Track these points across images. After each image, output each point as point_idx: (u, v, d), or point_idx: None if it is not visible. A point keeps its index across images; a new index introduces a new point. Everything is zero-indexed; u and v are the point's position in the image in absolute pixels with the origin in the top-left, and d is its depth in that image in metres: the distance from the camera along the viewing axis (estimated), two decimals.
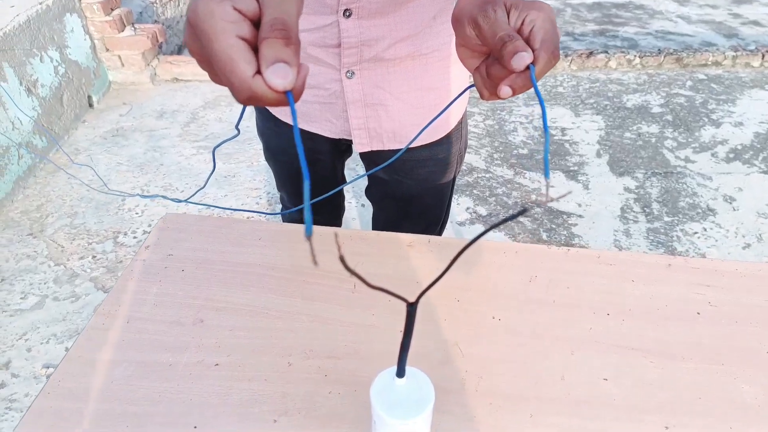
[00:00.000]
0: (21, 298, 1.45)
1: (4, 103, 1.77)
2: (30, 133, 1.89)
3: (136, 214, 1.74)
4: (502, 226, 1.68)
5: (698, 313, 0.56)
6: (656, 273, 0.60)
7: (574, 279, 0.60)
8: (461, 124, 0.80)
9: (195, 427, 0.46)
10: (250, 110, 0.85)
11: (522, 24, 0.37)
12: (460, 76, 0.73)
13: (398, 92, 0.69)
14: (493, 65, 0.39)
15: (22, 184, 1.84)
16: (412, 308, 0.33)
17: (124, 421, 0.46)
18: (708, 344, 0.53)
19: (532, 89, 0.37)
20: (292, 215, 0.97)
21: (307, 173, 0.26)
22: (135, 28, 2.38)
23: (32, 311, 1.42)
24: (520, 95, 2.38)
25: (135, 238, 1.65)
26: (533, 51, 0.36)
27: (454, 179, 0.86)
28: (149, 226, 1.69)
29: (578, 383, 0.50)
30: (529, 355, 0.52)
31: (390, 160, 0.59)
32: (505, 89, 0.38)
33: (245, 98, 0.29)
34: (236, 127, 0.49)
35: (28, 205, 1.78)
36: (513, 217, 0.28)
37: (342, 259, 0.25)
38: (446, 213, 0.92)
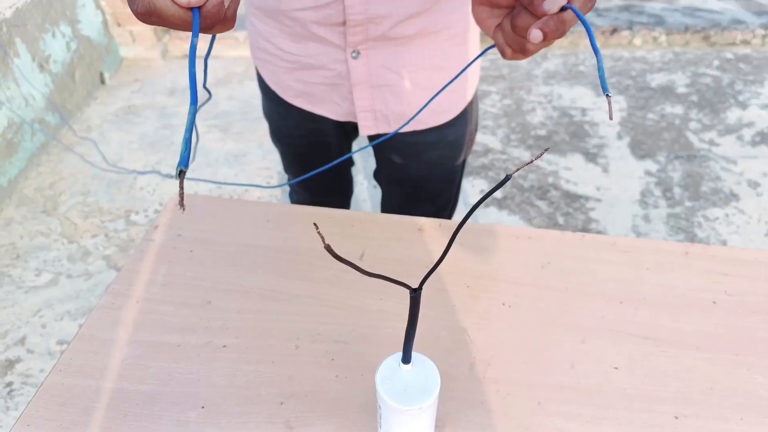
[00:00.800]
0: (35, 275, 1.48)
1: (17, 79, 1.77)
2: (43, 109, 1.90)
3: (148, 193, 1.75)
4: (516, 209, 1.66)
5: (714, 303, 0.55)
6: (673, 261, 0.59)
7: (588, 266, 0.58)
8: (472, 105, 0.77)
9: (203, 407, 0.46)
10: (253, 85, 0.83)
11: None
12: (473, 54, 0.71)
13: (406, 72, 0.67)
14: (519, 15, 0.36)
15: (36, 161, 1.85)
16: (415, 295, 0.32)
17: (134, 399, 0.47)
18: (723, 334, 0.52)
19: (561, 39, 0.34)
20: (302, 198, 0.96)
21: (195, 97, 0.23)
22: None
23: (46, 288, 1.44)
24: (539, 73, 2.33)
25: (147, 217, 1.66)
26: None
27: (464, 162, 0.84)
28: (160, 204, 1.70)
29: (589, 372, 0.49)
30: (540, 342, 0.51)
31: (395, 131, 0.57)
32: (535, 32, 0.35)
33: (143, 11, 0.26)
34: (204, 87, 0.47)
35: (42, 182, 1.79)
36: (496, 188, 0.27)
37: (329, 249, 0.24)
38: (456, 196, 0.90)
